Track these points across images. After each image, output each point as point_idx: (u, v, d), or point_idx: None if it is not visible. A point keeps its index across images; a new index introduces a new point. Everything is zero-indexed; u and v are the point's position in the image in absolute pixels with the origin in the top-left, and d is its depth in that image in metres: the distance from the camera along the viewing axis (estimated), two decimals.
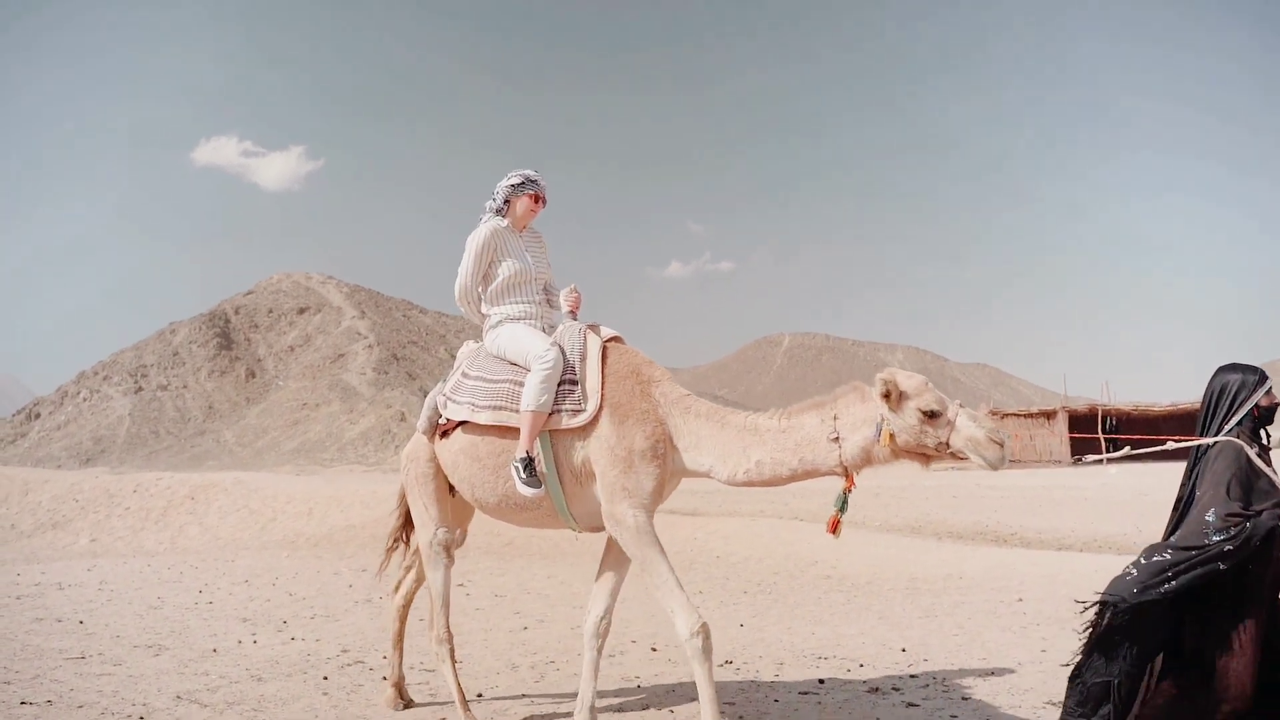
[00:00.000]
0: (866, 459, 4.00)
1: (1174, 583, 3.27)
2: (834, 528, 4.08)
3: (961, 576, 9.34)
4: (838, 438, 4.01)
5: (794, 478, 4.17)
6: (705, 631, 3.99)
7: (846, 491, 4.09)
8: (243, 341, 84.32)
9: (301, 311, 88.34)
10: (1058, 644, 6.37)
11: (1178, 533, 3.40)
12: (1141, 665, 3.39)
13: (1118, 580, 3.40)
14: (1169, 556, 3.30)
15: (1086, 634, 3.49)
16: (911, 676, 5.68)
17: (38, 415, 70.78)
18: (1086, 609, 3.49)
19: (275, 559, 12.14)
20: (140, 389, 74.49)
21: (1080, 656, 3.48)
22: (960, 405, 3.92)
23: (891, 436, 3.89)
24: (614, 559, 4.64)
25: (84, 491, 20.52)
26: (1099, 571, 9.26)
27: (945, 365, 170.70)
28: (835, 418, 4.05)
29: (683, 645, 4.04)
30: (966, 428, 3.83)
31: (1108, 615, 3.37)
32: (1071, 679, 3.48)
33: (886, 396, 3.91)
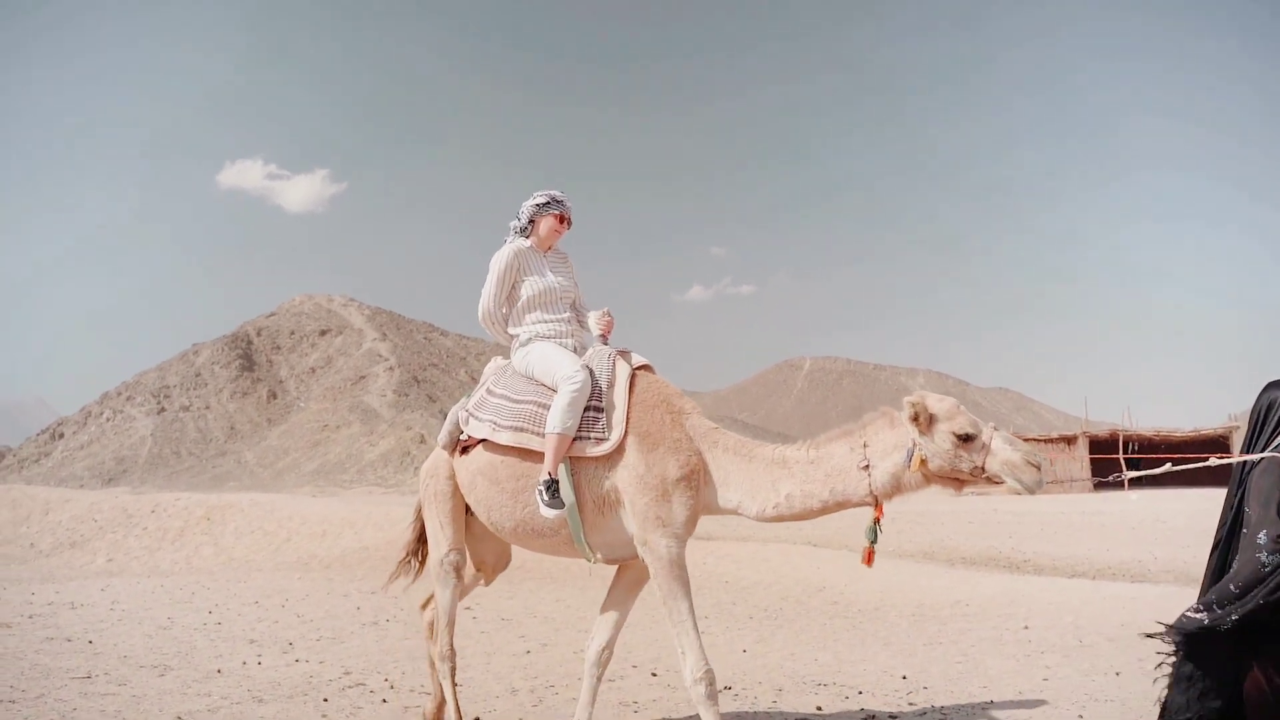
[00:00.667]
0: (897, 486, 3.91)
1: (1238, 615, 3.15)
2: (869, 559, 3.99)
3: (969, 603, 9.29)
4: (868, 465, 3.92)
5: (825, 510, 4.07)
6: (709, 678, 3.99)
7: (876, 521, 3.98)
8: (264, 363, 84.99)
9: (323, 333, 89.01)
10: (1059, 673, 6.35)
11: (1236, 561, 3.27)
12: (1224, 699, 3.25)
13: (1185, 614, 3.28)
14: (1231, 588, 3.18)
15: (1163, 669, 3.40)
16: (909, 704, 5.67)
17: (61, 435, 71.50)
18: (1155, 637, 3.39)
19: (287, 580, 12.22)
20: (163, 409, 75.16)
21: (1165, 693, 3.39)
22: (994, 428, 3.82)
23: (923, 462, 3.80)
24: (623, 589, 4.58)
25: (103, 511, 20.73)
26: (1106, 599, 9.23)
27: (967, 389, 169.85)
28: (865, 445, 3.97)
29: (687, 688, 4.03)
30: (1002, 451, 3.74)
31: (1177, 649, 3.30)
32: (1160, 716, 3.39)
33: (915, 420, 3.83)
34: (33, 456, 68.52)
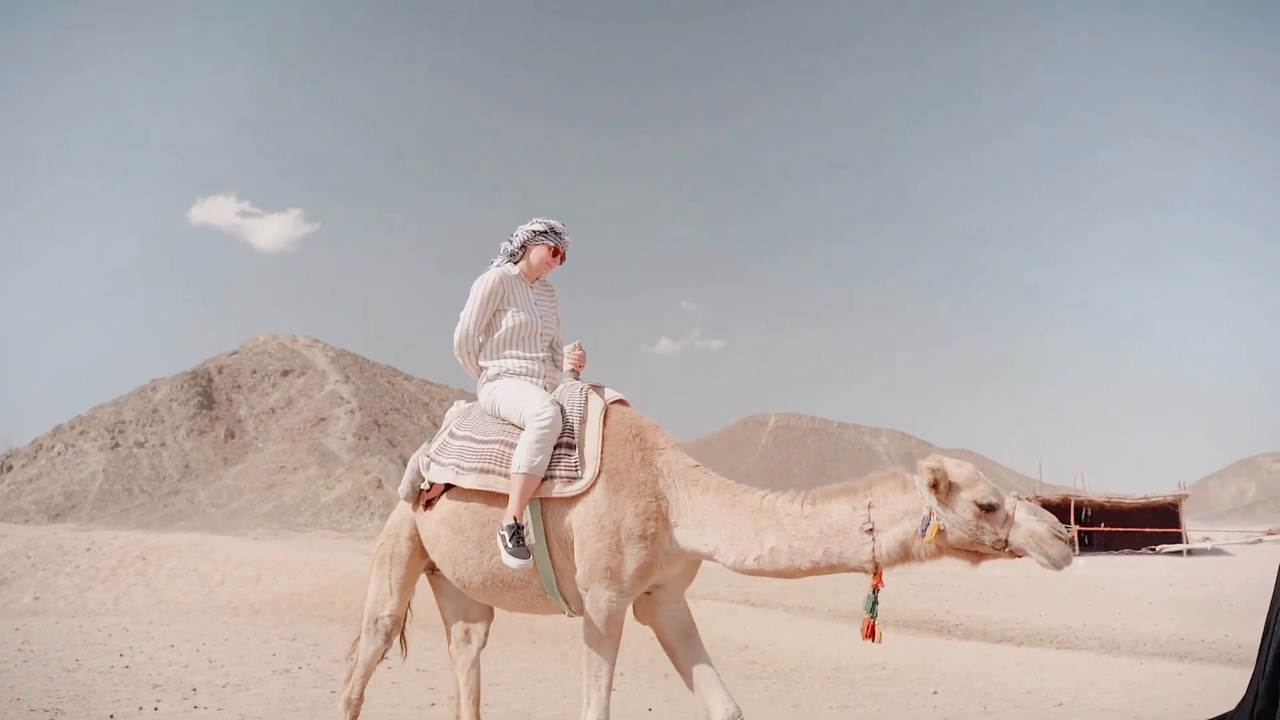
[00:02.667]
0: (905, 555, 3.59)
1: None
2: (870, 632, 3.67)
3: (884, 666, 9.32)
4: (872, 529, 3.59)
5: (814, 570, 3.74)
6: None
7: (875, 590, 3.67)
8: (224, 401, 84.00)
9: (285, 374, 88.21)
10: None
11: None
12: None
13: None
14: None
15: None
16: None
17: (9, 468, 70.06)
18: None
19: (210, 624, 12.04)
20: (117, 445, 73.96)
21: None
22: (1017, 497, 3.58)
23: (941, 532, 3.50)
24: (682, 637, 4.11)
25: (38, 548, 20.31)
26: (1020, 666, 9.29)
27: (929, 449, 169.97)
28: (870, 506, 3.64)
29: None
30: (1027, 522, 3.48)
31: None
32: None
33: (935, 487, 3.54)
34: None
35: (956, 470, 3.57)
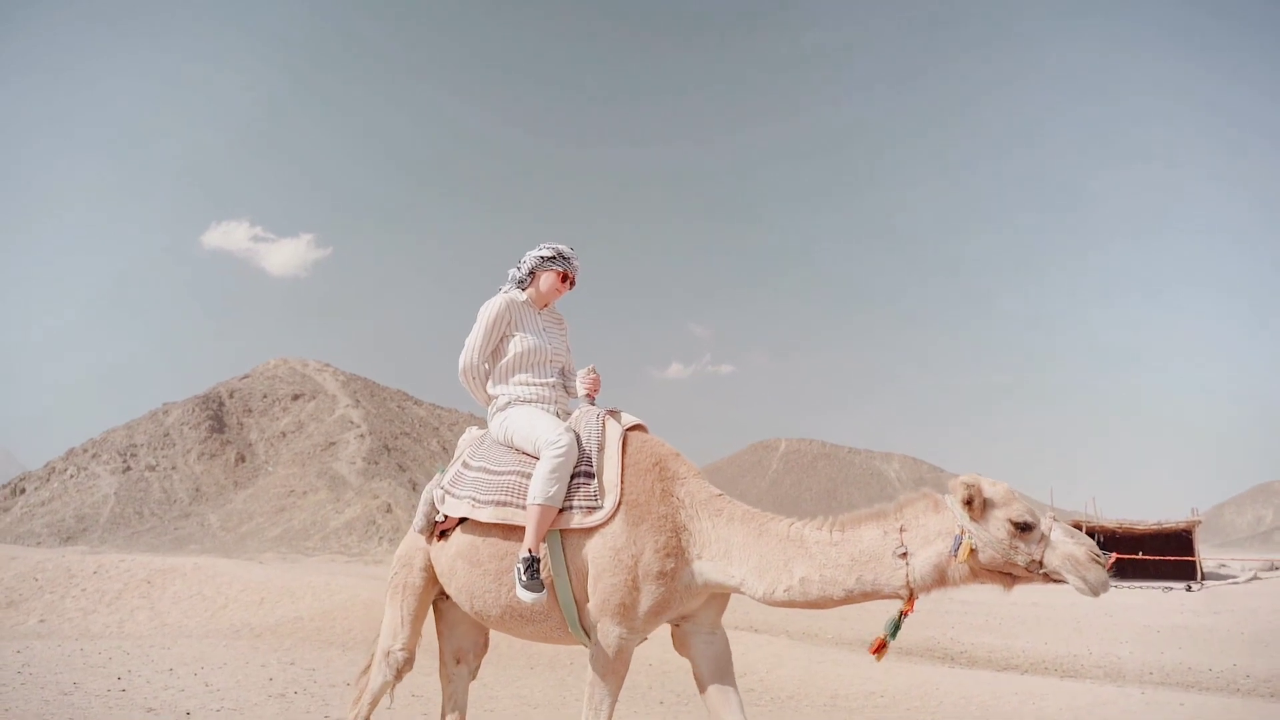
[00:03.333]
0: (940, 579, 3.45)
1: None
2: (879, 649, 3.62)
3: (882, 694, 9.27)
4: (905, 553, 3.46)
5: (848, 599, 3.58)
6: None
7: (904, 615, 3.54)
8: (235, 425, 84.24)
9: (296, 398, 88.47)
10: None
11: None
12: None
13: None
14: None
15: None
16: None
17: (23, 490, 70.37)
18: None
19: (211, 648, 12.04)
20: (128, 468, 74.21)
21: None
22: (1054, 517, 3.45)
23: (973, 552, 3.37)
24: (715, 673, 3.88)
25: (46, 571, 20.36)
26: (1019, 694, 9.23)
27: (940, 475, 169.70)
28: (901, 529, 3.52)
29: None
30: (1064, 544, 3.34)
31: None
32: None
33: (968, 504, 3.42)
34: None
35: (991, 487, 3.46)
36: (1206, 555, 42.91)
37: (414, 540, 4.56)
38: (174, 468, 76.30)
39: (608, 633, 3.71)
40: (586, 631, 3.86)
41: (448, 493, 4.24)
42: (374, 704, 4.58)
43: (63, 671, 9.46)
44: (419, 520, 4.41)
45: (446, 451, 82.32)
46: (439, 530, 4.31)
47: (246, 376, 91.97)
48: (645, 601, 3.69)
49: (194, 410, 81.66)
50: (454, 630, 4.74)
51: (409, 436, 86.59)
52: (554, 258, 4.46)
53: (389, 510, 63.69)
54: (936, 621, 17.42)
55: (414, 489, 66.80)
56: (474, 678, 4.84)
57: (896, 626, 3.56)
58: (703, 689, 3.89)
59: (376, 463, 78.12)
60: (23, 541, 55.57)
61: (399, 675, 4.50)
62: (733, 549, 3.71)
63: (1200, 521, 41.29)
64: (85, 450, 75.38)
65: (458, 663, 4.75)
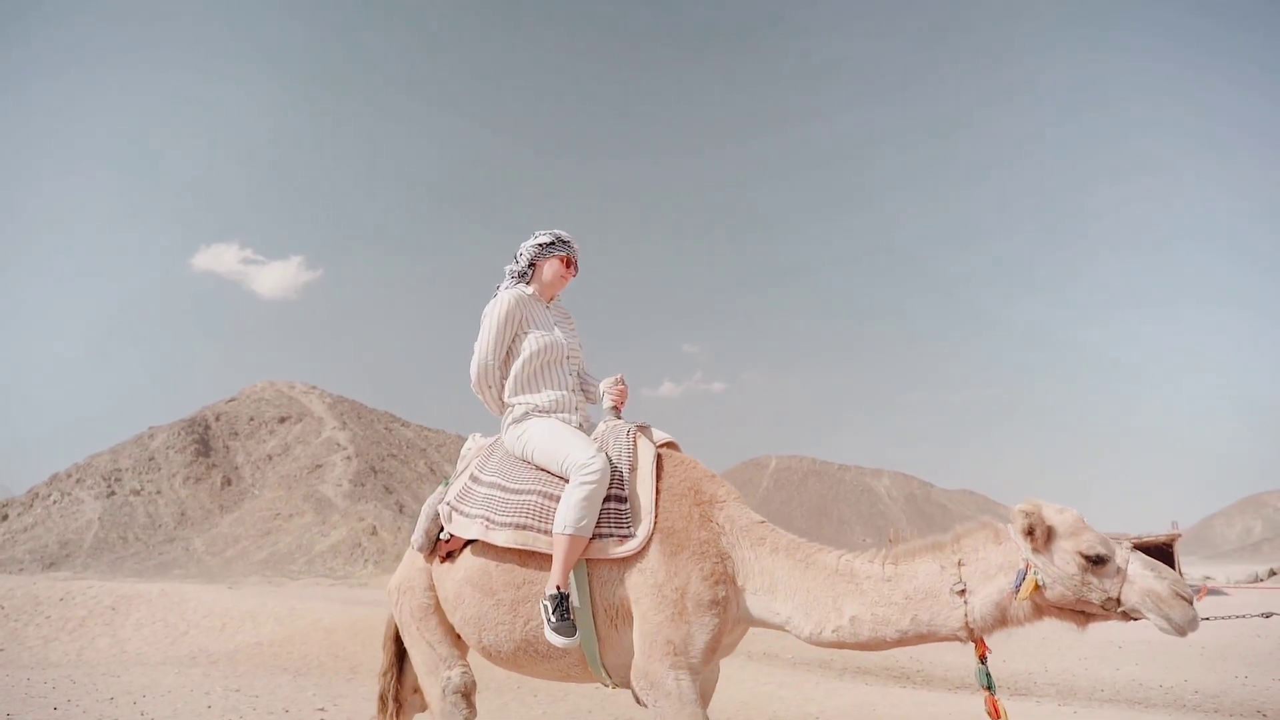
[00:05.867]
0: (1002, 618, 3.10)
1: None
2: (995, 712, 3.17)
3: (819, 716, 9.28)
4: (964, 590, 3.11)
5: (902, 641, 3.22)
6: None
7: (982, 659, 3.16)
8: (221, 449, 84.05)
9: (282, 420, 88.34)
10: None
11: None
12: None
13: None
14: None
15: None
16: None
17: (5, 516, 69.96)
18: None
19: (161, 675, 12.02)
20: (113, 493, 73.91)
21: None
22: (1130, 547, 3.06)
23: (1038, 588, 3.02)
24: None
25: (14, 598, 20.26)
26: (950, 715, 9.24)
27: (931, 491, 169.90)
28: (959, 564, 3.18)
29: None
30: (1143, 579, 2.98)
31: None
32: None
33: (1030, 534, 3.06)
34: None
35: (1057, 515, 3.10)
36: (1193, 568, 42.94)
37: (412, 560, 4.10)
38: (159, 492, 76.03)
39: (662, 680, 3.24)
40: (607, 669, 3.52)
41: (455, 509, 3.80)
42: None
43: (2, 702, 9.44)
44: (419, 536, 3.95)
45: (434, 474, 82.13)
46: (443, 550, 3.88)
47: (233, 399, 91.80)
48: (699, 636, 3.29)
49: (180, 434, 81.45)
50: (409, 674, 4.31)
51: (396, 458, 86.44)
52: (553, 243, 4.10)
53: (374, 533, 63.55)
54: None
55: (401, 511, 66.63)
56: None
57: (987, 675, 3.19)
58: None
59: (363, 485, 77.94)
60: (4, 569, 55.28)
61: (469, 702, 3.88)
62: (778, 583, 3.38)
63: (1180, 535, 41.31)
64: (69, 475, 75.06)
65: (400, 707, 4.35)
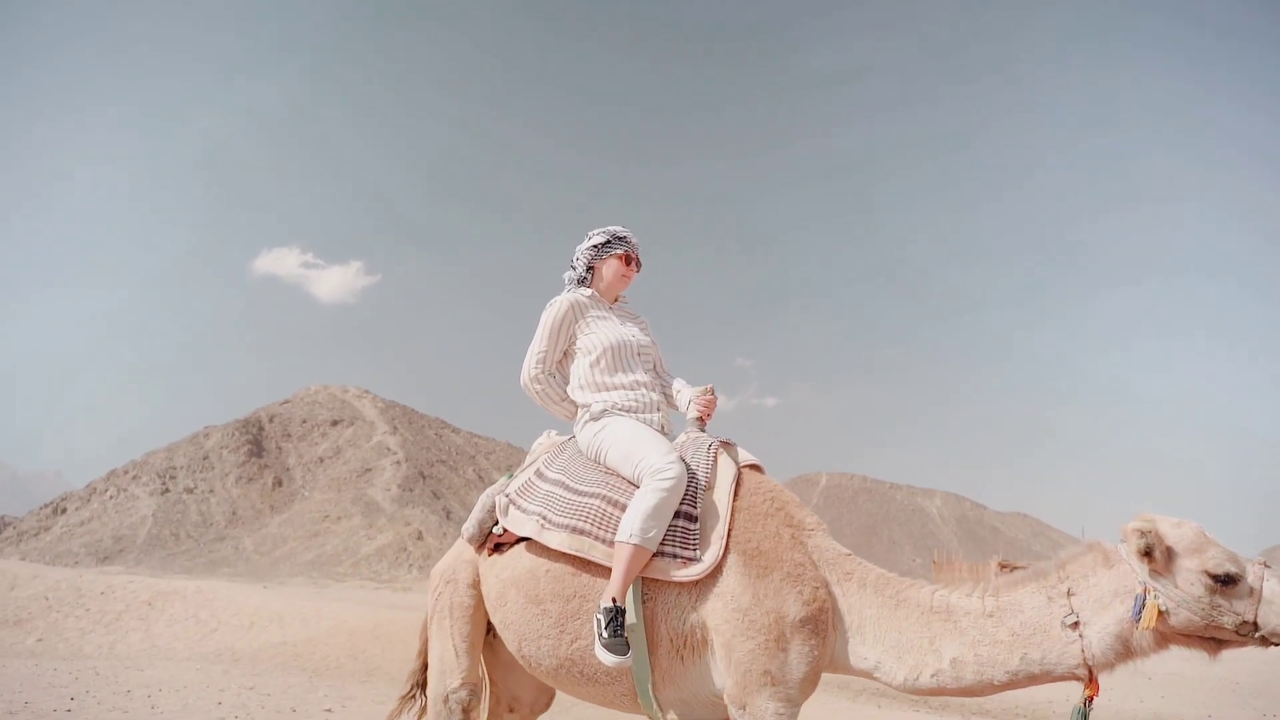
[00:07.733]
0: (1124, 651, 2.77)
1: None
2: None
3: None
4: (1077, 623, 2.80)
5: (1012, 684, 2.89)
6: None
7: (1088, 701, 2.83)
8: (274, 450, 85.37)
9: (334, 424, 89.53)
10: None
11: None
12: None
13: None
14: None
15: None
16: None
17: (64, 510, 71.74)
18: None
19: (183, 671, 12.25)
20: (167, 490, 75.42)
21: None
22: (1264, 564, 2.75)
23: (1161, 615, 2.70)
24: None
25: (59, 590, 20.80)
26: None
27: (984, 514, 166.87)
28: (1069, 593, 2.86)
29: None
30: None
31: None
32: None
33: (1148, 555, 2.76)
34: (32, 530, 68.72)
35: (1175, 530, 2.79)
36: None
37: (461, 551, 3.85)
38: (212, 491, 77.41)
39: (763, 711, 2.94)
40: (659, 704, 3.18)
41: (513, 503, 3.56)
42: None
43: (19, 691, 9.70)
44: (470, 526, 3.71)
45: (483, 481, 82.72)
46: (494, 543, 3.63)
47: (287, 401, 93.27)
48: (799, 664, 2.99)
49: (234, 434, 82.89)
50: (510, 672, 3.96)
51: (445, 464, 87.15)
52: (609, 242, 3.86)
53: (420, 538, 64.15)
54: None
55: (447, 517, 67.19)
56: None
57: (1084, 715, 2.86)
58: None
59: (411, 490, 78.69)
60: (60, 561, 56.64)
61: (470, 718, 3.68)
62: (866, 623, 3.06)
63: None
64: (126, 472, 76.73)
65: (510, 710, 4.03)
